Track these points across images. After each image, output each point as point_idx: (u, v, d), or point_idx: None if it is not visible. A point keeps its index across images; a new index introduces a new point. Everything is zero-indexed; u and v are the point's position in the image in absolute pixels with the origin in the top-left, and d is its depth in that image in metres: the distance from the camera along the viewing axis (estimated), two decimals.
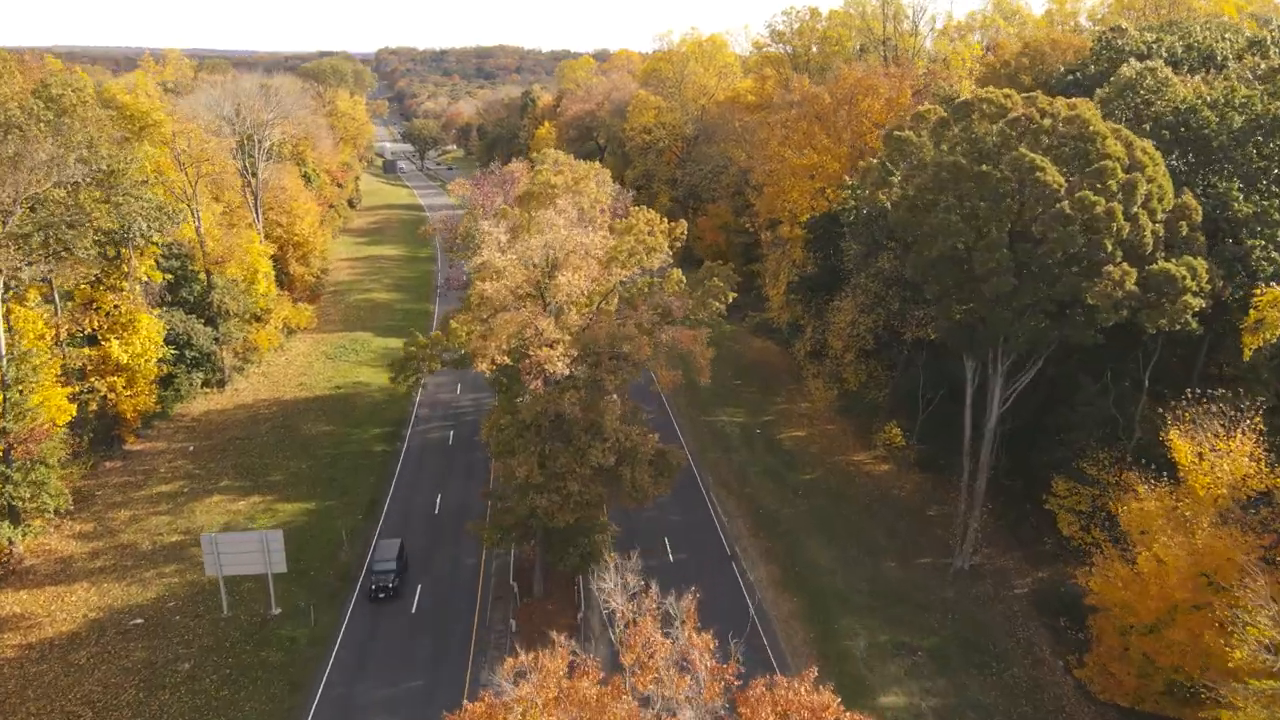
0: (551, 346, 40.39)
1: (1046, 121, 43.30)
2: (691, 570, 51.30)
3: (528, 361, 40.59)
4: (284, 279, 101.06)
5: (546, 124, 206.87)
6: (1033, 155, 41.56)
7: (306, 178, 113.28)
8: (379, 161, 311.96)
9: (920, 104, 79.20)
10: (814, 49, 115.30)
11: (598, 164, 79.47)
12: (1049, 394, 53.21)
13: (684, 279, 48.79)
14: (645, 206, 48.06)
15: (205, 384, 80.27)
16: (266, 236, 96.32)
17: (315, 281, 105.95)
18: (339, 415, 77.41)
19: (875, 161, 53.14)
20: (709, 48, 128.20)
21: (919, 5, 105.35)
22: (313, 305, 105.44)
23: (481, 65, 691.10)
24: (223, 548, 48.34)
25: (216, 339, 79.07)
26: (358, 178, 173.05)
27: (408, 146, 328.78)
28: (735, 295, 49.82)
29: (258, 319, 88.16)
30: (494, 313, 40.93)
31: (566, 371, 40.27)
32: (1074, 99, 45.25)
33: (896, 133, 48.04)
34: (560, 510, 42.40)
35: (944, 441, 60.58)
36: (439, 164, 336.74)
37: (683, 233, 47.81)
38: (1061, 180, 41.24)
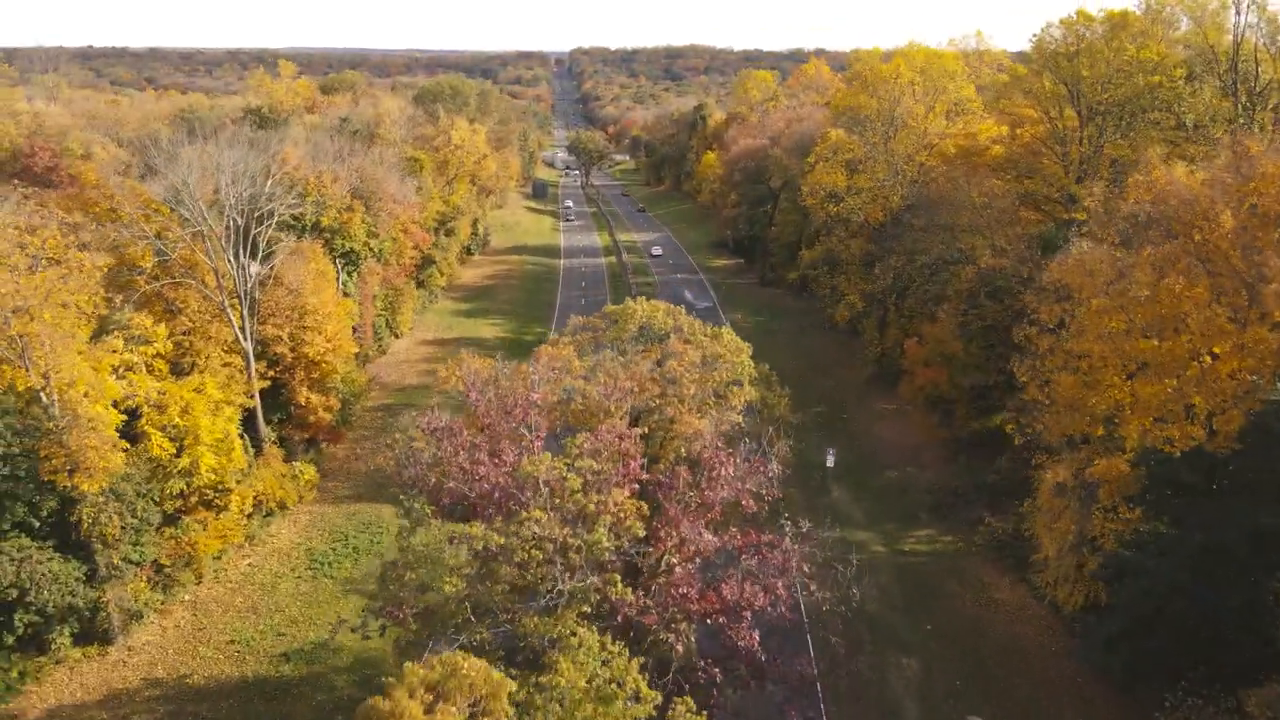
0: None
1: None
2: None
3: None
4: (289, 412, 70.41)
5: (713, 152, 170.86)
6: None
7: (350, 256, 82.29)
8: (556, 174, 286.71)
9: None
10: (1112, 78, 72.32)
11: (727, 332, 42.29)
12: None
13: None
14: None
15: (83, 638, 49.96)
16: (259, 358, 65.94)
17: (337, 414, 74.35)
18: None
19: None
20: (933, 73, 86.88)
21: None
22: (335, 445, 74.39)
23: (670, 66, 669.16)
24: None
25: (88, 577, 48.33)
26: (476, 220, 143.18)
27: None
28: None
29: (208, 506, 57.38)
30: None
31: None
32: None
33: None
34: None
35: None
36: (607, 173, 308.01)
37: None
38: None
